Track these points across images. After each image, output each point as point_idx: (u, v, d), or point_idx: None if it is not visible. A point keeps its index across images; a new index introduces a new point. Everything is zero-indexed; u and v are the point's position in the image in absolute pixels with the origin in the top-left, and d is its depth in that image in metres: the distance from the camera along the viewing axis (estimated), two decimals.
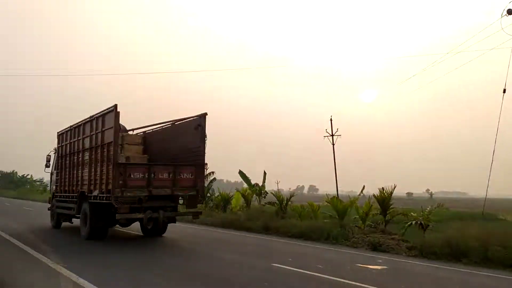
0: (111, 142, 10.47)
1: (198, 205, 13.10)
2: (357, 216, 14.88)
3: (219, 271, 8.41)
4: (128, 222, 12.42)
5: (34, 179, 73.21)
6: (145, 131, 14.12)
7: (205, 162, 12.14)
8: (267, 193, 24.16)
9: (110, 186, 10.30)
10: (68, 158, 13.78)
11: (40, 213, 24.21)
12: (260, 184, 25.04)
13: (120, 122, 11.27)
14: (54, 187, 15.78)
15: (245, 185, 28.17)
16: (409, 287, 7.64)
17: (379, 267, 9.17)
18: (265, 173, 26.11)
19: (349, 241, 12.60)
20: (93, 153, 11.55)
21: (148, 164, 12.02)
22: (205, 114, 11.60)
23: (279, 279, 7.78)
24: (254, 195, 22.46)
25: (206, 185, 21.07)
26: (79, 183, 12.47)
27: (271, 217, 17.04)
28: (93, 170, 11.45)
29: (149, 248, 11.22)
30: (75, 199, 12.63)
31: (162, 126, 13.50)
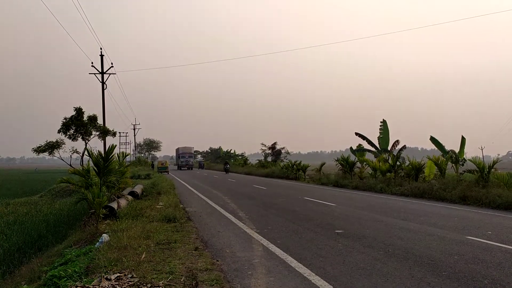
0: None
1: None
2: None
3: (400, 241, 7.88)
4: (185, 168, 69.18)
5: (237, 153, 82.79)
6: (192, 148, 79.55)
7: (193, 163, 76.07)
8: (465, 160, 21.74)
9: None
10: (176, 155, 76.39)
11: (240, 184, 27.22)
12: (457, 150, 22.73)
13: (189, 145, 74.33)
14: (175, 161, 80.00)
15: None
16: None
17: None
18: (463, 138, 23.52)
19: None
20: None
21: (184, 158, 70.02)
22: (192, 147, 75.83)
23: (473, 252, 6.86)
24: (450, 163, 20.40)
25: (395, 154, 26.35)
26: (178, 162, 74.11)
27: (470, 187, 15.24)
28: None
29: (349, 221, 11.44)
30: (177, 165, 74.77)
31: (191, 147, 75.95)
